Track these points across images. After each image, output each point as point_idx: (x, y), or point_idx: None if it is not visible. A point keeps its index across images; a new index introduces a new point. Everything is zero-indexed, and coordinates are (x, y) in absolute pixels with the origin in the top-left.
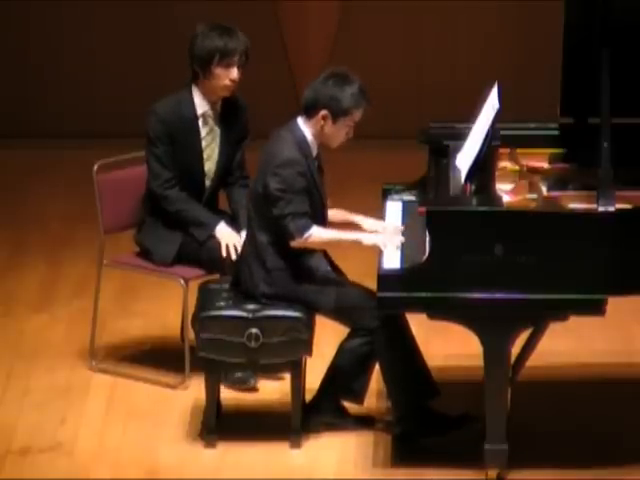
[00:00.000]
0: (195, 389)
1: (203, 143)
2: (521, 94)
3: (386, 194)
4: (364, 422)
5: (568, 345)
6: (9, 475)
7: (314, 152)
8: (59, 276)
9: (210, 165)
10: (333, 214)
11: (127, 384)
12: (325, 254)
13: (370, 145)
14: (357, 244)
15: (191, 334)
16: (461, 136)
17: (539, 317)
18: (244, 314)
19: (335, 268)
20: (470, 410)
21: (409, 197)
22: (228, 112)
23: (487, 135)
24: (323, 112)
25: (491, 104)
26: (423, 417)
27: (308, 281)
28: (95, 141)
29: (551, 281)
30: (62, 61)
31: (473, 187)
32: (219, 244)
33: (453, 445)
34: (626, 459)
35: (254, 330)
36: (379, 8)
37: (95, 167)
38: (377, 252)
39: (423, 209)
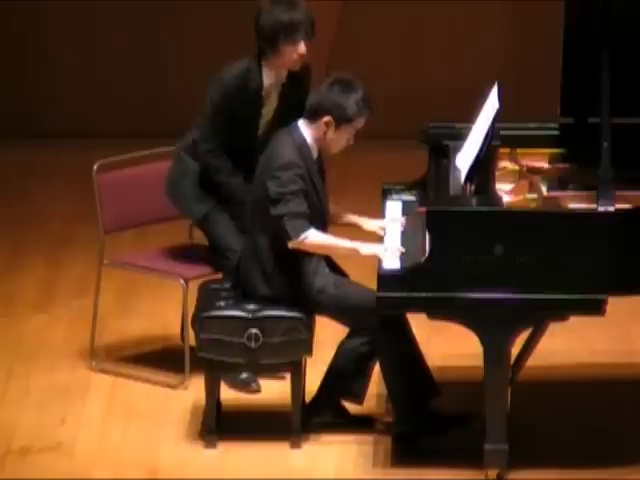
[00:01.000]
0: (195, 389)
1: (265, 111)
2: (521, 94)
3: (386, 194)
4: (364, 422)
5: (568, 345)
6: (9, 475)
7: (314, 155)
8: (59, 276)
9: (262, 130)
10: (333, 211)
11: (127, 384)
12: (326, 258)
13: (370, 145)
14: (354, 253)
15: (191, 334)
16: (461, 136)
17: (539, 317)
18: (244, 314)
19: (337, 268)
20: (470, 410)
21: (409, 197)
22: (291, 80)
23: (487, 135)
24: (327, 118)
25: (491, 104)
26: (423, 417)
27: (307, 284)
28: (95, 141)
29: (551, 281)
30: (62, 61)
31: (473, 187)
32: None
33: (453, 445)
34: (626, 459)
35: (254, 330)
36: (379, 8)
37: (95, 167)
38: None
39: (423, 209)
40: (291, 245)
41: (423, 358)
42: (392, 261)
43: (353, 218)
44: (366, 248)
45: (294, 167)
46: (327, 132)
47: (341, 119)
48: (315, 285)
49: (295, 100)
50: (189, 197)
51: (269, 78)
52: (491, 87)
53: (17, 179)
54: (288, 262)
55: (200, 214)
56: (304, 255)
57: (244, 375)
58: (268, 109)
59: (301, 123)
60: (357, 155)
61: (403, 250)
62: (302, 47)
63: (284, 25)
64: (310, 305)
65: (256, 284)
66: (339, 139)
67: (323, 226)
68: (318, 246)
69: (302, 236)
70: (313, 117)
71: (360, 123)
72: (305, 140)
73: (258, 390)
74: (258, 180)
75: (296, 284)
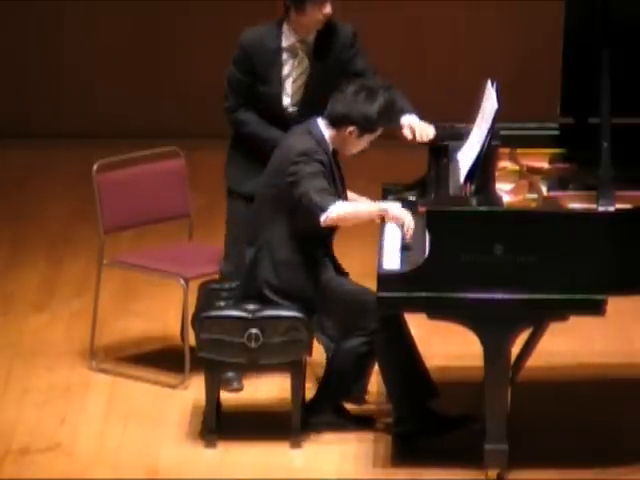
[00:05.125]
0: (195, 389)
1: (293, 74)
2: (521, 94)
3: (386, 194)
4: (364, 422)
5: (568, 345)
6: (9, 475)
7: (330, 150)
8: (59, 276)
9: (298, 97)
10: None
11: (127, 384)
12: (331, 256)
13: (370, 145)
14: (384, 214)
15: (191, 334)
16: (461, 136)
17: (539, 317)
18: (244, 314)
19: (338, 268)
20: (470, 410)
21: (409, 197)
22: (325, 41)
23: (487, 135)
24: (351, 128)
25: (490, 104)
26: (423, 417)
27: (312, 280)
28: (95, 141)
29: (551, 281)
30: (62, 61)
31: (473, 187)
32: None
33: (453, 445)
34: (626, 459)
35: (254, 330)
36: (379, 8)
37: (95, 167)
38: (376, 251)
39: (423, 209)
40: (323, 220)
41: (422, 359)
42: (396, 239)
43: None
44: (394, 210)
45: (314, 153)
46: (349, 139)
47: (365, 129)
48: (319, 282)
49: (333, 63)
50: (240, 176)
51: (289, 39)
52: (485, 85)
53: (17, 179)
54: (298, 255)
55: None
56: (313, 250)
57: (229, 374)
58: (297, 72)
59: (321, 122)
60: (357, 155)
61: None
62: (328, 8)
63: None
64: (311, 302)
65: (263, 272)
66: (359, 145)
67: None
68: (350, 215)
69: (332, 207)
70: (337, 124)
71: (381, 130)
72: (323, 136)
73: (239, 389)
74: (273, 173)
75: (302, 278)
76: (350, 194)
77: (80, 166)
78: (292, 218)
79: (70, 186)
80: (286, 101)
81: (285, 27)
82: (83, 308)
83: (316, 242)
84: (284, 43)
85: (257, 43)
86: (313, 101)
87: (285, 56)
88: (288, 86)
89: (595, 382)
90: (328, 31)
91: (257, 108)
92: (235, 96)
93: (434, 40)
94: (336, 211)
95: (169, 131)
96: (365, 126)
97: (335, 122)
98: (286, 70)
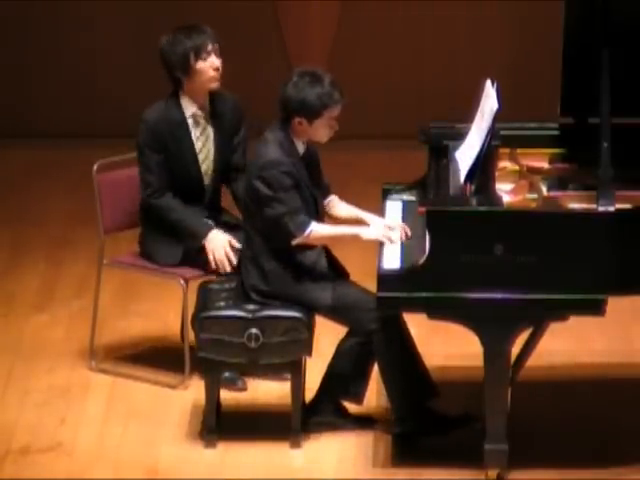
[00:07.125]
0: (195, 389)
1: (198, 144)
2: (521, 94)
3: (386, 194)
4: (364, 422)
5: (568, 345)
6: (9, 475)
7: (300, 150)
8: (59, 276)
9: (208, 165)
10: (341, 208)
11: (127, 384)
12: (327, 252)
13: (370, 145)
14: (356, 239)
15: (191, 334)
16: (461, 136)
17: (539, 317)
18: (244, 314)
19: (337, 267)
20: (470, 410)
21: (409, 197)
22: (218, 109)
23: (487, 135)
24: (297, 119)
25: (489, 103)
26: (423, 417)
27: (306, 281)
28: (95, 141)
29: (551, 281)
30: (62, 61)
31: (473, 187)
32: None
33: (453, 445)
34: (626, 459)
35: (254, 330)
36: (379, 8)
37: (95, 167)
38: (376, 251)
39: (423, 209)
40: (295, 242)
41: (421, 359)
42: (392, 249)
43: (362, 215)
44: (367, 233)
45: (278, 164)
46: (303, 130)
47: (311, 116)
48: (314, 283)
49: (229, 126)
50: (159, 250)
51: (190, 107)
52: (484, 84)
53: (17, 179)
54: (286, 260)
55: (177, 260)
56: (303, 253)
57: (227, 374)
58: (201, 141)
59: (281, 121)
60: (357, 155)
61: (407, 229)
62: (216, 61)
63: (191, 47)
64: (308, 303)
65: (255, 282)
66: (319, 131)
67: (317, 217)
68: (322, 238)
69: (307, 231)
70: (286, 119)
71: (334, 111)
72: (288, 136)
73: (244, 388)
74: (246, 182)
75: (295, 282)
76: (348, 207)
77: (80, 166)
78: (272, 228)
79: (70, 187)
80: (202, 172)
81: (183, 99)
82: (83, 308)
83: (304, 248)
84: (187, 113)
85: (163, 118)
86: (224, 167)
87: (190, 126)
88: (202, 154)
89: (595, 382)
90: (217, 96)
91: (174, 187)
92: (157, 179)
93: (434, 40)
94: (310, 236)
95: None
96: (309, 113)
97: (283, 116)
98: (199, 141)
